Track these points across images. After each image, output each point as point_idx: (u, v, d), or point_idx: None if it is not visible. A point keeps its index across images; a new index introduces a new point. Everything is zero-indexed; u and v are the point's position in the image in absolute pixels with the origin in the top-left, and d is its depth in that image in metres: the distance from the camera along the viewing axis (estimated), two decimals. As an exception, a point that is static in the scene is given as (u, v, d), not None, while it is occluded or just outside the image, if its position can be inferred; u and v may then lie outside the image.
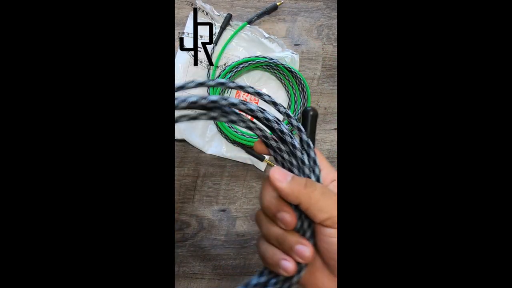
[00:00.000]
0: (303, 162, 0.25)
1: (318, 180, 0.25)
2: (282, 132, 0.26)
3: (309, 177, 0.25)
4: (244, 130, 0.27)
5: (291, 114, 0.26)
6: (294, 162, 0.26)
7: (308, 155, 0.26)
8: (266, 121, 0.25)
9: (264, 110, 0.26)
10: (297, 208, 0.24)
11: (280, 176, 0.23)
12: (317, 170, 0.25)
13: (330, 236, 0.23)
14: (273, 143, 0.26)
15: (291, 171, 0.26)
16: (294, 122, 0.26)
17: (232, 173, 0.51)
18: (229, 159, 0.50)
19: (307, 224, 0.24)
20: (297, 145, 0.26)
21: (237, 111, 0.26)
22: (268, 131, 0.27)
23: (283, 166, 0.27)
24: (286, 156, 0.26)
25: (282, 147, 0.26)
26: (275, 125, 0.26)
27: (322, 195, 0.23)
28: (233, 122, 0.26)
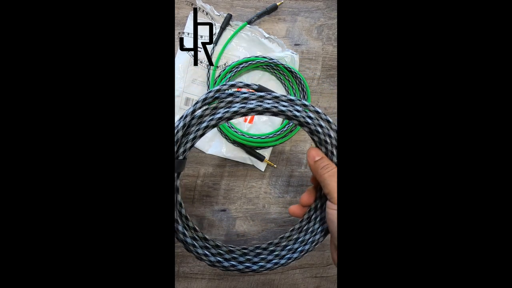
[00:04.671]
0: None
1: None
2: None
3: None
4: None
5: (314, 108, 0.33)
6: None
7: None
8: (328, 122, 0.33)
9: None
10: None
11: (311, 156, 0.33)
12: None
13: (328, 207, 0.31)
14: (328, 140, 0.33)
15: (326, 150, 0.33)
16: (323, 116, 0.33)
17: (232, 173, 0.51)
18: (229, 159, 0.50)
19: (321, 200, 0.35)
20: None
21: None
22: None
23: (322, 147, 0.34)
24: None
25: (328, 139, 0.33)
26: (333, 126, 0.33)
27: (329, 176, 0.31)
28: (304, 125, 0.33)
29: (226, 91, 0.32)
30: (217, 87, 0.32)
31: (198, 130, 0.31)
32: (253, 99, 0.32)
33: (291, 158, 0.51)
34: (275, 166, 0.51)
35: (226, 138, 0.50)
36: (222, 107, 0.32)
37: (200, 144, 0.50)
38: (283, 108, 0.32)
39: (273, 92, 0.33)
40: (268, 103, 0.32)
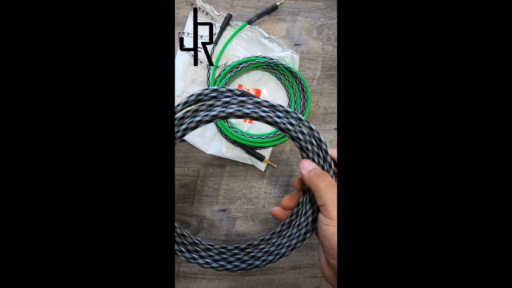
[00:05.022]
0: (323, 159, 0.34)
1: (329, 169, 0.33)
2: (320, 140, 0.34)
3: (324, 167, 0.33)
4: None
5: (302, 117, 0.34)
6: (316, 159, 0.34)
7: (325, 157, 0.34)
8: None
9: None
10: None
11: (305, 166, 0.32)
12: (327, 166, 0.33)
13: (322, 221, 0.28)
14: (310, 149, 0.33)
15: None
16: (306, 124, 0.34)
17: (232, 173, 0.51)
18: (229, 159, 0.50)
19: (309, 205, 0.33)
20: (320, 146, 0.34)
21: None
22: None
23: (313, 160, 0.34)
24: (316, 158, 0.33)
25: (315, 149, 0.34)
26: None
27: (325, 186, 0.29)
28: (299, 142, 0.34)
29: (209, 95, 0.33)
30: (199, 91, 0.33)
31: (177, 131, 0.32)
32: (233, 104, 0.32)
33: (291, 158, 0.51)
34: (275, 166, 0.51)
35: (226, 138, 0.50)
36: (202, 110, 0.32)
37: (200, 144, 0.50)
38: (263, 114, 0.32)
39: (256, 97, 0.33)
40: (249, 108, 0.32)
